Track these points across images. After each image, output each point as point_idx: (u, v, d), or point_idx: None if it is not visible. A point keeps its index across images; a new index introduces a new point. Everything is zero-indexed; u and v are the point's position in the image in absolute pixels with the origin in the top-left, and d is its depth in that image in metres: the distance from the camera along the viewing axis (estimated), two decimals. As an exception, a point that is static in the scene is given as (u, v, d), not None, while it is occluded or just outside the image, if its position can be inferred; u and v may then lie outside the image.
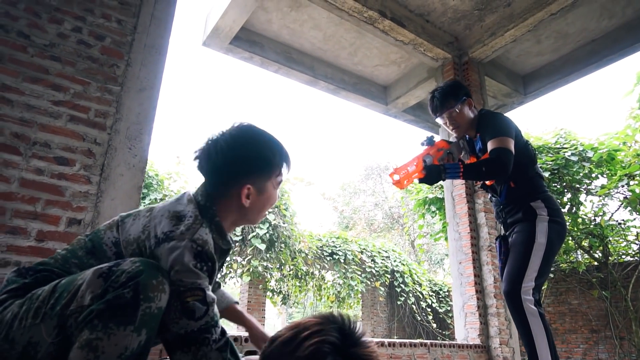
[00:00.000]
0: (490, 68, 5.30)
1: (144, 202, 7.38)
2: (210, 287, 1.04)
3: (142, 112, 2.49)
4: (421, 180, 1.93)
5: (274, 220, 7.61)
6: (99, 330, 0.86)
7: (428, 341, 3.35)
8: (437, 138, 2.28)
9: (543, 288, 8.17)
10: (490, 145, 2.00)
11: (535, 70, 5.70)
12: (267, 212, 1.32)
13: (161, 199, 8.69)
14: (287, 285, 8.96)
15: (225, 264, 1.29)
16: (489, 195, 2.30)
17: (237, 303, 1.52)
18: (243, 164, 1.15)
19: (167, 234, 1.02)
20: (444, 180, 1.94)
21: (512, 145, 1.98)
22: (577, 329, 8.24)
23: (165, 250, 1.00)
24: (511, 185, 2.09)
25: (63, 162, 2.19)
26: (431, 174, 1.93)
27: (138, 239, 1.05)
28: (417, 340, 3.35)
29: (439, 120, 2.27)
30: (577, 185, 6.83)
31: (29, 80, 2.20)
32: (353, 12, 4.16)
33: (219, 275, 1.26)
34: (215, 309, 1.03)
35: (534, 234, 1.95)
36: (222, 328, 1.04)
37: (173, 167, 9.46)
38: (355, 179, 20.92)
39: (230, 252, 1.32)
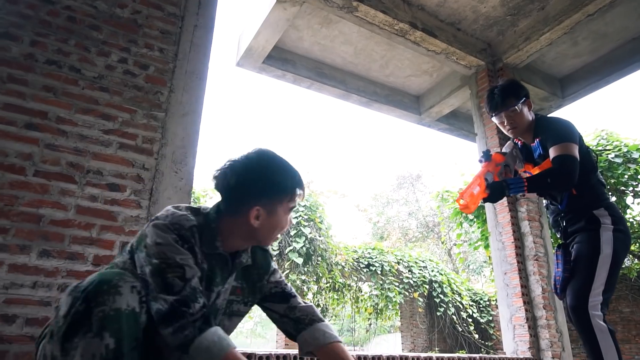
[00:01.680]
0: (526, 73, 5.19)
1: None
2: (194, 266, 1.10)
3: (186, 136, 2.57)
4: (485, 200, 1.88)
5: (310, 233, 7.64)
6: (70, 351, 0.93)
7: (477, 355, 3.26)
8: (492, 150, 2.22)
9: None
10: (553, 152, 1.92)
11: (572, 73, 5.54)
12: (278, 236, 1.33)
13: (198, 216, 8.88)
14: (324, 298, 8.93)
15: (229, 276, 1.26)
16: (545, 202, 2.21)
17: (340, 342, 1.33)
18: (254, 185, 1.18)
19: (156, 217, 1.15)
20: (508, 196, 1.89)
21: (576, 152, 1.89)
22: (631, 339, 7.84)
23: (150, 227, 1.11)
24: (573, 192, 1.99)
25: (115, 188, 2.28)
26: (495, 191, 1.87)
27: (141, 234, 1.16)
28: (466, 355, 3.27)
29: (494, 120, 2.18)
30: (623, 188, 6.55)
31: (81, 112, 2.31)
32: (384, 25, 4.18)
33: (222, 292, 1.25)
34: (194, 283, 1.07)
35: (599, 244, 1.85)
36: (202, 303, 1.06)
37: (209, 185, 9.67)
38: (387, 188, 20.77)
39: (238, 271, 1.29)
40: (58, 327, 0.99)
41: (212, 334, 1.02)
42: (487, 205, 4.56)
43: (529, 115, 2.12)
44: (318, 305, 9.16)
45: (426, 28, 4.39)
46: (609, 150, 6.47)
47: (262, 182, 1.18)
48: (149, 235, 1.10)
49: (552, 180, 1.86)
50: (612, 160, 6.29)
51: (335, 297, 8.95)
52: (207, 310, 1.06)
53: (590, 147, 6.64)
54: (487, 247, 6.90)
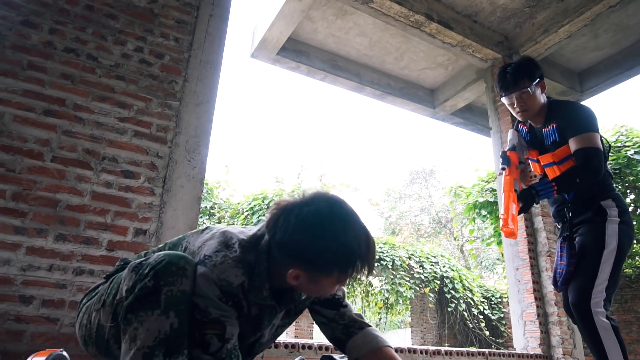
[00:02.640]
0: (544, 66, 5.06)
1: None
2: (235, 322, 1.05)
3: (199, 125, 2.60)
4: (519, 212, 1.80)
5: (322, 226, 7.65)
6: (133, 322, 0.95)
7: (486, 350, 3.25)
8: (504, 148, 2.10)
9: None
10: (575, 144, 1.83)
11: (592, 66, 5.44)
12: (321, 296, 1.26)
13: (210, 207, 8.97)
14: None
15: (277, 317, 1.22)
16: None
17: (389, 346, 1.32)
18: (300, 252, 1.02)
19: (205, 257, 1.05)
20: (537, 203, 1.81)
21: (599, 142, 1.82)
22: (646, 339, 7.71)
23: (198, 273, 1.03)
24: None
25: (129, 175, 2.32)
26: (526, 202, 1.80)
27: (193, 253, 1.11)
28: (475, 349, 3.26)
29: (504, 100, 2.04)
30: (642, 186, 6.43)
31: (98, 99, 2.35)
32: (399, 17, 4.15)
33: (270, 328, 1.21)
34: (232, 344, 1.02)
35: (604, 238, 1.80)
36: None
37: (222, 176, 9.75)
38: (400, 183, 20.68)
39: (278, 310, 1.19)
40: (115, 299, 1.04)
41: None
42: (500, 200, 4.51)
43: (542, 98, 2.00)
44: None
45: (442, 20, 4.34)
46: (628, 146, 6.34)
47: (309, 252, 1.01)
48: (197, 279, 1.02)
49: (581, 179, 1.79)
50: (632, 156, 6.16)
51: (346, 290, 8.97)
52: None
53: (608, 142, 6.52)
54: (499, 243, 6.84)
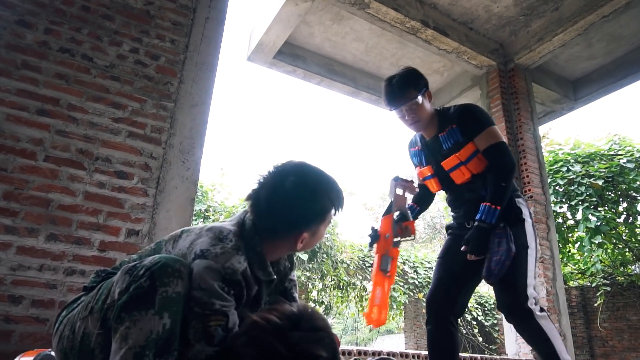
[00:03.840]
0: (538, 74, 5.15)
1: (191, 213, 7.57)
2: (235, 312, 1.06)
3: (194, 127, 2.60)
4: (473, 252, 1.73)
5: (316, 230, 7.65)
6: (126, 321, 0.95)
7: (478, 355, 3.25)
8: (374, 226, 2.01)
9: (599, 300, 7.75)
10: (481, 142, 1.85)
11: (585, 75, 5.49)
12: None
13: (205, 210, 8.94)
14: (329, 295, 8.94)
15: (269, 293, 1.29)
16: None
17: None
18: (301, 217, 1.19)
19: (203, 251, 1.07)
20: (494, 228, 1.72)
21: (501, 135, 1.88)
22: (638, 347, 7.73)
23: (197, 267, 1.04)
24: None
25: (123, 176, 2.31)
26: (477, 244, 1.73)
27: (184, 255, 1.11)
28: (467, 355, 3.26)
29: (395, 114, 1.97)
30: (634, 194, 6.48)
31: (92, 100, 2.34)
32: (395, 23, 4.17)
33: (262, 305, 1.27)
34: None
35: (526, 237, 1.80)
36: None
37: (217, 179, 9.73)
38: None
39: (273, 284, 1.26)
40: (104, 304, 1.03)
41: None
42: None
43: (430, 107, 1.97)
44: (322, 303, 9.19)
45: (438, 27, 4.37)
46: (621, 155, 6.40)
47: (308, 213, 1.19)
48: (197, 274, 1.04)
49: (505, 179, 1.78)
50: (624, 165, 6.22)
51: (340, 295, 8.95)
52: None
53: (601, 151, 6.58)
54: (493, 249, 6.85)
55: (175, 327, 0.98)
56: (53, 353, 1.38)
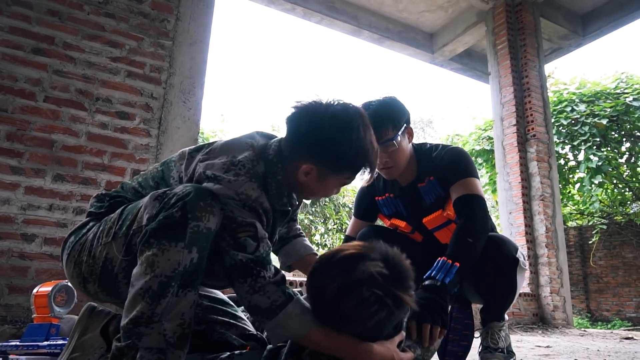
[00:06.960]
0: (546, 8, 4.95)
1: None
2: (261, 226, 1.05)
3: (193, 66, 2.54)
4: (427, 320, 1.20)
5: (318, 174, 7.71)
6: (154, 247, 0.93)
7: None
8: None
9: (591, 242, 7.93)
10: (456, 191, 1.49)
11: (596, 9, 5.27)
12: (317, 198, 1.29)
13: (208, 157, 8.95)
14: (331, 239, 9.16)
15: (284, 225, 1.29)
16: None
17: (315, 254, 1.39)
18: (321, 146, 1.08)
19: (216, 176, 1.03)
20: (453, 292, 1.38)
21: (481, 189, 1.51)
22: (631, 283, 8.01)
23: (212, 189, 1.01)
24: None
25: (124, 116, 2.29)
26: (431, 312, 1.22)
27: (199, 176, 1.07)
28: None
29: None
30: (639, 134, 6.43)
31: (88, 38, 2.28)
32: (399, -47, 3.96)
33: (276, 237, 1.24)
34: (267, 246, 1.04)
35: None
36: (275, 267, 1.06)
37: (217, 125, 9.66)
38: (397, 133, 20.57)
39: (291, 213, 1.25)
40: (130, 230, 1.01)
41: (297, 304, 1.01)
42: (497, 145, 4.52)
43: (409, 148, 1.58)
44: (325, 246, 9.42)
45: (443, -43, 4.15)
46: (627, 93, 6.29)
47: (330, 148, 1.07)
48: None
49: (474, 235, 1.40)
50: (630, 103, 6.12)
51: (342, 237, 9.17)
52: (283, 274, 1.05)
53: (607, 89, 6.45)
54: (494, 191, 6.92)
55: (202, 262, 0.97)
56: (70, 284, 1.43)
